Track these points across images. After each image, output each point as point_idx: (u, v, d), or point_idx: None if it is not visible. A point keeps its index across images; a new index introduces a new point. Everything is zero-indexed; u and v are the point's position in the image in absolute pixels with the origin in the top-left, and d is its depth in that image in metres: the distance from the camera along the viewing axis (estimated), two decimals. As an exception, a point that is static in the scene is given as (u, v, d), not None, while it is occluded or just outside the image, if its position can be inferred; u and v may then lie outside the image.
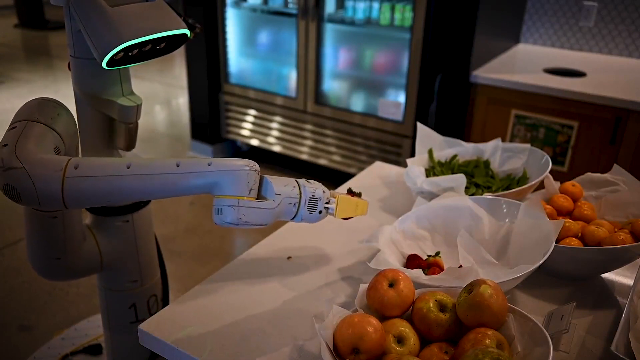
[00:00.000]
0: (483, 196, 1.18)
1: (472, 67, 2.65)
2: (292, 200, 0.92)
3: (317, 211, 0.96)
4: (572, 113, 2.48)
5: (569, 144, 2.54)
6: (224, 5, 3.40)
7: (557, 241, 1.07)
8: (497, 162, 1.42)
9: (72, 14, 1.11)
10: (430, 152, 1.45)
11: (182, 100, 5.25)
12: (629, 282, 1.13)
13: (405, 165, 1.39)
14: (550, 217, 1.13)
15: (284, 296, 1.06)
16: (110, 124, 1.28)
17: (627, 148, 2.41)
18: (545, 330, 0.79)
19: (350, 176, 2.50)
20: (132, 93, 1.27)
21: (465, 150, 1.46)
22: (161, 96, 5.37)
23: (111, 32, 1.05)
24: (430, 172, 1.40)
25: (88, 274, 1.39)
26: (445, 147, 1.48)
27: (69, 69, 1.22)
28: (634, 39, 2.90)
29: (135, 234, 1.41)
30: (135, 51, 1.10)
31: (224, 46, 3.50)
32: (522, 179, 1.36)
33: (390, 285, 0.88)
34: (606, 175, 1.26)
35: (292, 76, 3.32)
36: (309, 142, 3.37)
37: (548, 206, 1.19)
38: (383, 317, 0.88)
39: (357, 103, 3.19)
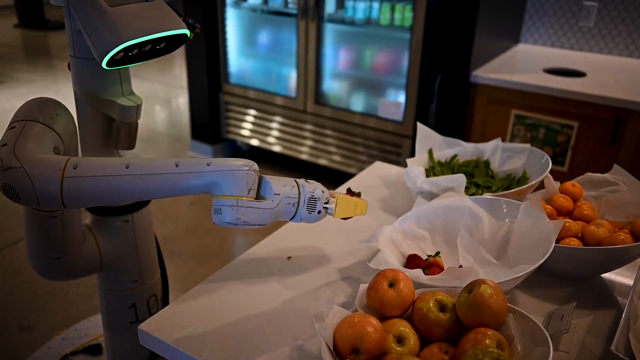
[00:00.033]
0: (483, 196, 1.18)
1: (472, 67, 2.65)
2: (291, 200, 0.92)
3: (316, 211, 0.96)
4: (572, 113, 2.48)
5: (569, 144, 2.54)
6: (224, 5, 3.40)
7: (557, 241, 1.07)
8: (497, 162, 1.42)
9: (72, 14, 1.11)
10: (430, 152, 1.45)
11: (182, 100, 5.25)
12: (629, 282, 1.13)
13: (405, 165, 1.39)
14: (550, 217, 1.13)
15: (284, 296, 1.06)
16: (110, 124, 1.28)
17: (627, 148, 2.41)
18: (545, 330, 0.79)
19: (350, 176, 2.50)
20: (132, 93, 1.27)
21: (465, 150, 1.46)
22: (161, 96, 5.37)
23: (111, 32, 1.05)
24: (430, 172, 1.40)
25: (88, 274, 1.39)
26: (445, 147, 1.48)
27: (69, 69, 1.22)
28: (634, 39, 2.90)
29: (135, 234, 1.41)
30: (135, 51, 1.10)
31: (224, 46, 3.50)
32: (522, 179, 1.35)
33: (390, 285, 0.88)
34: (606, 175, 1.26)
35: (292, 76, 3.32)
36: (309, 142, 3.37)
37: (548, 206, 1.19)
38: (383, 317, 0.88)
39: (357, 103, 3.19)
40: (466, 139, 2.67)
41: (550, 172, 1.29)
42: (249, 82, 3.53)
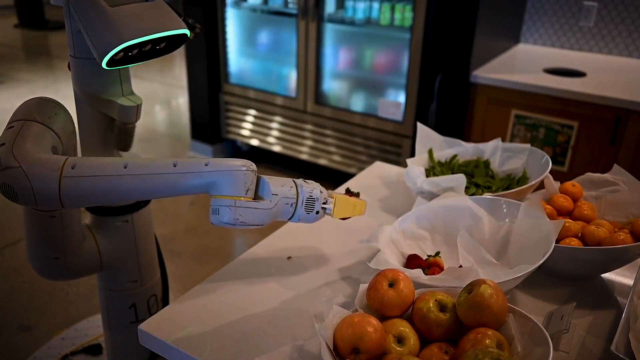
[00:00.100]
0: (483, 196, 1.18)
1: (472, 67, 2.65)
2: (289, 201, 0.92)
3: (315, 211, 0.96)
4: (572, 113, 2.48)
5: (569, 144, 2.53)
6: (224, 5, 3.39)
7: (557, 241, 1.07)
8: (497, 162, 1.42)
9: (72, 14, 1.11)
10: (430, 152, 1.45)
11: (182, 100, 5.25)
12: (629, 282, 1.13)
13: (405, 165, 1.39)
14: (550, 217, 1.13)
15: (284, 296, 1.06)
16: (110, 124, 1.28)
17: (627, 148, 2.41)
18: (545, 330, 0.79)
19: (350, 176, 2.50)
20: (132, 93, 1.27)
21: (465, 150, 1.46)
22: (161, 96, 5.37)
23: (111, 32, 1.05)
24: (430, 172, 1.40)
25: (87, 274, 1.38)
26: (445, 147, 1.48)
27: (69, 69, 1.22)
28: (634, 39, 2.90)
29: (135, 234, 1.41)
30: (135, 51, 1.10)
31: (224, 46, 3.50)
32: (522, 179, 1.35)
33: (390, 285, 0.88)
34: (606, 175, 1.26)
35: (292, 76, 3.32)
36: (309, 142, 3.37)
37: (548, 206, 1.19)
38: (383, 317, 0.88)
39: (357, 103, 3.19)
40: (466, 139, 2.67)
41: (550, 172, 1.29)
42: (249, 82, 3.53)
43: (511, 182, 1.36)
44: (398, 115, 2.96)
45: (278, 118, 3.44)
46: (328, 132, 3.25)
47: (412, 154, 1.70)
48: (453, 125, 2.78)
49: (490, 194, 1.22)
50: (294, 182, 0.94)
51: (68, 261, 1.30)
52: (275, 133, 3.50)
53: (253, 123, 3.57)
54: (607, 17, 2.91)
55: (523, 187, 1.25)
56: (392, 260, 1.03)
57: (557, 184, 1.27)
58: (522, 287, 1.08)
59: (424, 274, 0.97)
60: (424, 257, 1.10)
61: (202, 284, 1.09)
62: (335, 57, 3.19)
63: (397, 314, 0.88)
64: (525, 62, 2.87)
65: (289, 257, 1.19)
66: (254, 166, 0.89)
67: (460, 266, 0.99)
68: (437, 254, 1.11)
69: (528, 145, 1.40)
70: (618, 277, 1.14)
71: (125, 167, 0.88)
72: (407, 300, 0.88)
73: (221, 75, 3.58)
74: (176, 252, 2.86)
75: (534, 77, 2.58)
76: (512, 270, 0.96)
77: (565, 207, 1.20)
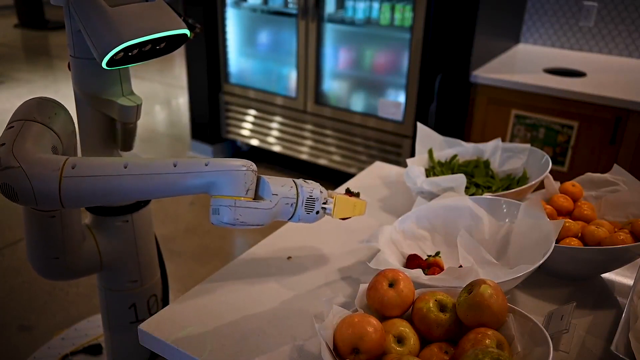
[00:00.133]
0: (483, 196, 1.18)
1: (472, 67, 2.65)
2: (290, 201, 0.92)
3: (315, 211, 0.96)
4: (572, 113, 2.48)
5: (569, 144, 2.53)
6: (224, 5, 3.39)
7: (557, 241, 1.07)
8: (497, 162, 1.42)
9: (72, 14, 1.11)
10: (430, 152, 1.45)
11: (182, 100, 5.25)
12: (629, 282, 1.13)
13: (405, 165, 1.39)
14: (550, 217, 1.13)
15: (284, 296, 1.06)
16: (110, 124, 1.28)
17: (627, 148, 2.41)
18: (545, 330, 0.79)
19: (350, 176, 2.50)
20: (132, 93, 1.27)
21: (465, 150, 1.46)
22: (161, 96, 5.37)
23: (111, 32, 1.05)
24: (430, 172, 1.40)
25: (87, 274, 1.38)
26: (445, 147, 1.48)
27: (69, 69, 1.22)
28: (634, 39, 2.90)
29: (135, 234, 1.41)
30: (135, 51, 1.10)
31: (224, 46, 3.50)
32: (522, 179, 1.35)
33: (390, 285, 0.88)
34: (606, 175, 1.26)
35: (292, 76, 3.32)
36: (309, 142, 3.37)
37: (548, 206, 1.19)
38: (383, 317, 0.88)
39: (357, 103, 3.19)
40: (466, 139, 2.67)
41: (550, 172, 1.29)
42: (249, 82, 3.53)
43: (511, 182, 1.36)
44: (398, 115, 2.96)
45: (278, 118, 3.44)
46: (328, 132, 3.25)
47: (412, 154, 1.70)
48: (453, 125, 2.78)
49: (490, 194, 1.22)
50: (294, 182, 0.94)
51: (68, 261, 1.30)
52: (275, 133, 3.50)
53: (253, 123, 3.57)
54: (607, 17, 2.91)
55: (523, 187, 1.25)
56: (392, 260, 1.03)
57: (557, 184, 1.27)
58: (522, 287, 1.08)
59: (424, 274, 0.97)
60: (424, 257, 1.10)
61: (202, 284, 1.09)
62: (335, 57, 3.19)
63: (397, 314, 0.88)
64: (525, 62, 2.87)
65: (289, 257, 1.19)
66: (254, 166, 0.89)
67: (460, 266, 0.99)
68: (437, 254, 1.11)
69: (528, 145, 1.40)
70: (618, 277, 1.14)
71: (125, 167, 0.88)
72: (407, 300, 0.88)
73: (221, 75, 3.58)
74: (176, 252, 2.86)
75: (534, 77, 2.58)
76: (512, 270, 0.96)
77: (565, 207, 1.20)
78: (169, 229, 3.08)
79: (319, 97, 3.25)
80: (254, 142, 3.62)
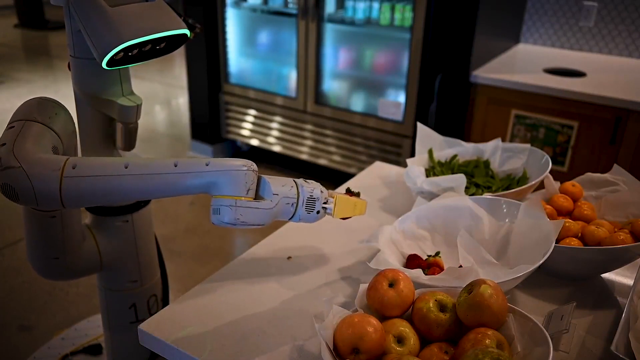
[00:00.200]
0: (483, 196, 1.18)
1: (472, 67, 2.65)
2: (290, 200, 0.92)
3: (315, 211, 0.96)
4: (572, 113, 2.48)
5: (569, 144, 2.53)
6: (224, 5, 3.39)
7: (557, 241, 1.07)
8: (497, 162, 1.42)
9: (72, 14, 1.11)
10: (430, 152, 1.45)
11: (182, 100, 5.25)
12: (629, 282, 1.13)
13: (405, 165, 1.39)
14: (550, 217, 1.13)
15: (284, 296, 1.06)
16: (110, 124, 1.28)
17: (627, 148, 2.41)
18: (545, 330, 0.79)
19: (350, 176, 2.50)
20: (132, 93, 1.27)
21: (465, 150, 1.46)
22: (161, 96, 5.37)
23: (111, 32, 1.05)
24: (430, 172, 1.40)
25: (87, 274, 1.38)
26: (445, 147, 1.48)
27: (69, 69, 1.22)
28: (634, 39, 2.90)
29: (135, 234, 1.41)
30: (135, 51, 1.10)
31: (224, 46, 3.50)
32: (522, 179, 1.35)
33: (390, 285, 0.88)
34: (606, 175, 1.26)
35: (292, 76, 3.32)
36: (309, 142, 3.37)
37: (548, 206, 1.19)
38: (383, 317, 0.88)
39: (357, 103, 3.19)
40: (466, 139, 2.67)
41: (550, 172, 1.29)
42: (249, 82, 3.53)
43: (511, 182, 1.36)
44: (398, 115, 2.96)
45: (278, 118, 3.44)
46: (328, 132, 3.25)
47: (412, 154, 1.70)
48: (453, 125, 2.78)
49: (490, 194, 1.22)
50: (295, 182, 0.94)
51: (68, 261, 1.30)
52: (275, 133, 3.50)
53: (253, 123, 3.57)
54: (607, 17, 2.91)
55: (523, 187, 1.25)
56: (392, 260, 1.03)
57: (557, 184, 1.27)
58: (522, 287, 1.08)
59: (424, 274, 0.97)
60: (424, 257, 1.10)
61: (202, 284, 1.09)
62: (335, 57, 3.19)
63: (397, 314, 0.88)
64: (525, 62, 2.87)
65: (289, 257, 1.19)
66: (254, 166, 0.89)
67: (460, 266, 0.99)
68: (437, 254, 1.11)
69: (528, 145, 1.40)
70: (618, 277, 1.14)
71: (126, 167, 0.88)
72: (407, 300, 0.88)
73: (221, 75, 3.58)
74: (176, 252, 2.86)
75: (534, 77, 2.58)
76: (512, 270, 0.96)
77: (565, 207, 1.20)
78: (169, 229, 3.08)
79: (319, 97, 3.25)
80: (254, 142, 3.62)
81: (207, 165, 0.87)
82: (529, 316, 0.83)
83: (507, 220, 1.12)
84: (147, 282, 1.48)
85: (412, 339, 0.84)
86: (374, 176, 1.59)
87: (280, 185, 0.91)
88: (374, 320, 0.82)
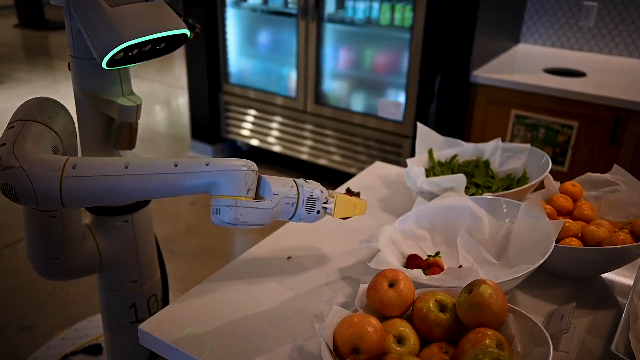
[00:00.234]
0: (483, 196, 1.18)
1: (472, 67, 2.65)
2: (290, 200, 0.92)
3: (315, 211, 0.96)
4: (572, 113, 2.48)
5: (569, 144, 2.53)
6: (224, 5, 3.40)
7: (557, 241, 1.07)
8: (497, 162, 1.42)
9: (72, 14, 1.11)
10: (430, 152, 1.45)
11: (182, 100, 5.25)
12: (629, 282, 1.13)
13: (405, 165, 1.39)
14: (550, 217, 1.13)
15: (284, 296, 1.06)
16: (110, 124, 1.28)
17: (627, 148, 2.41)
18: (545, 330, 0.79)
19: (350, 176, 2.50)
20: (132, 93, 1.27)
21: (465, 150, 1.46)
22: (161, 96, 5.37)
23: (111, 32, 1.05)
24: (430, 172, 1.40)
25: (87, 274, 1.39)
26: (445, 147, 1.48)
27: (69, 69, 1.22)
28: (634, 39, 2.90)
29: (135, 234, 1.41)
30: (135, 51, 1.10)
31: (224, 46, 3.50)
32: (522, 179, 1.35)
33: (390, 285, 0.88)
34: (606, 175, 1.26)
35: (292, 76, 3.32)
36: (309, 142, 3.37)
37: (548, 206, 1.19)
38: (383, 317, 0.88)
39: (357, 103, 3.19)
40: (466, 139, 2.67)
41: (550, 172, 1.29)
42: (249, 82, 3.53)
43: (511, 182, 1.36)
44: (398, 115, 2.96)
45: (278, 118, 3.44)
46: (328, 132, 3.25)
47: (412, 154, 1.70)
48: (453, 125, 2.78)
49: (490, 194, 1.22)
50: (295, 182, 0.94)
51: (68, 261, 1.30)
52: (275, 133, 3.50)
53: (253, 123, 3.57)
54: (607, 17, 2.91)
55: (523, 187, 1.25)
56: (392, 260, 1.03)
57: (557, 184, 1.27)
58: (522, 287, 1.08)
59: (424, 274, 0.97)
60: (424, 257, 1.10)
61: (202, 284, 1.09)
62: (335, 57, 3.19)
63: (397, 314, 0.88)
64: (525, 62, 2.87)
65: (289, 257, 1.19)
66: (254, 166, 0.89)
67: (460, 266, 0.99)
68: (437, 254, 1.11)
69: (528, 145, 1.40)
70: (618, 277, 1.14)
71: (126, 167, 0.88)
72: (407, 300, 0.88)
73: (221, 75, 3.58)
74: (176, 252, 2.86)
75: (534, 77, 2.58)
76: (512, 270, 0.96)
77: (565, 207, 1.20)
78: (169, 229, 3.08)
79: (319, 97, 3.25)
80: (254, 142, 3.62)
81: (207, 165, 0.87)
82: (529, 316, 0.83)
83: (507, 220, 1.12)
84: (147, 282, 1.48)
85: (412, 339, 0.84)
86: (374, 176, 1.59)
87: (281, 185, 0.91)
88: (374, 320, 0.82)
